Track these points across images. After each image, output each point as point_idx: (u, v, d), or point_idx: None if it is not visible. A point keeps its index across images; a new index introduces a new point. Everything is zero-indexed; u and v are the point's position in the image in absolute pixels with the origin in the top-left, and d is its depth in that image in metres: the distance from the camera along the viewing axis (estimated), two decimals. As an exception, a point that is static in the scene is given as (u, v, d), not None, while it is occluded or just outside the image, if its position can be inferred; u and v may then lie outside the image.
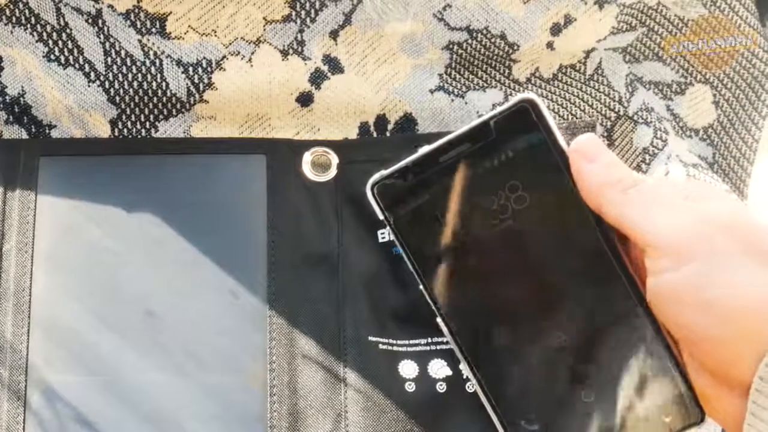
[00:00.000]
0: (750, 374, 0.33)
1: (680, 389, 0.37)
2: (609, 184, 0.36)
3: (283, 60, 0.53)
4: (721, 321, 0.33)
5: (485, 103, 0.54)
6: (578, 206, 0.37)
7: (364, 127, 0.54)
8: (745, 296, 0.33)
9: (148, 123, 0.53)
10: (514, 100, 0.37)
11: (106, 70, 0.52)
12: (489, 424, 0.48)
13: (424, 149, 0.38)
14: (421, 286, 0.38)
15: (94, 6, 0.52)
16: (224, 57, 0.53)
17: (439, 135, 0.53)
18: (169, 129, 0.53)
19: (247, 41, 0.53)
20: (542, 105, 0.38)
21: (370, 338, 0.50)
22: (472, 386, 0.49)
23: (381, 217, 0.38)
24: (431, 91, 0.54)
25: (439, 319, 0.39)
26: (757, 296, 0.33)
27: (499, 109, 0.38)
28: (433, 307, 0.38)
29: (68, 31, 0.52)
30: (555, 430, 0.38)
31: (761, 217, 0.53)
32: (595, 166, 0.37)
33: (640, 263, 0.37)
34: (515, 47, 0.54)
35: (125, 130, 0.53)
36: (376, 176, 0.38)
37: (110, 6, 0.52)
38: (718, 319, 0.33)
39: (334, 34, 0.53)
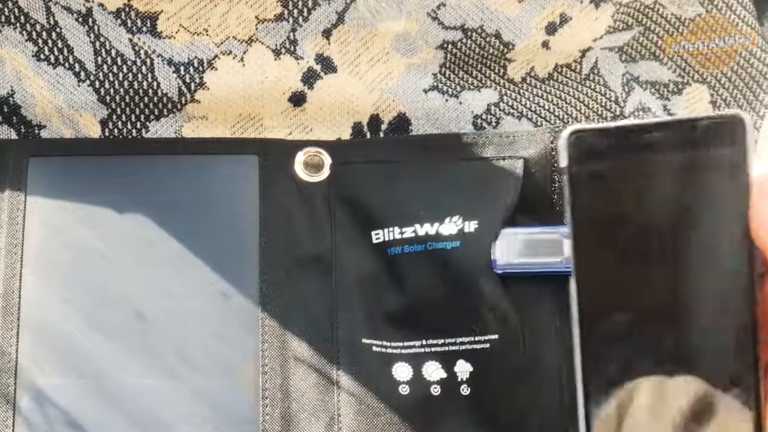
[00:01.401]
0: None
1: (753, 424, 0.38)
2: None
3: (275, 59, 0.53)
4: None
5: (480, 103, 0.54)
6: (742, 230, 0.38)
7: (357, 127, 0.53)
8: None
9: (138, 123, 0.53)
10: (728, 112, 0.38)
11: (96, 70, 0.52)
12: (485, 426, 0.48)
13: (627, 122, 0.39)
14: (570, 242, 0.39)
15: (84, 5, 0.51)
16: (216, 56, 0.52)
17: (435, 136, 0.53)
18: (160, 129, 0.53)
19: (239, 40, 0.52)
20: (750, 127, 0.38)
21: (364, 340, 0.49)
22: (467, 389, 0.48)
23: (563, 164, 0.39)
24: (425, 91, 0.54)
25: (572, 280, 0.39)
26: None
27: (710, 113, 0.39)
28: (573, 266, 0.39)
29: (58, 30, 0.52)
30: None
31: None
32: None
33: None
34: (510, 46, 0.54)
35: (116, 131, 0.52)
36: (575, 126, 0.39)
37: (100, 5, 0.51)
38: None
39: (327, 34, 0.53)
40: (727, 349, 0.38)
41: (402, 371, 0.49)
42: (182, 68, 0.52)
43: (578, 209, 0.39)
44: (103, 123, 0.52)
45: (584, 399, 0.39)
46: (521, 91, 0.54)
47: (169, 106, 0.52)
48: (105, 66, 0.52)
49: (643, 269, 0.39)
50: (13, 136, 0.52)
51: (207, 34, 0.52)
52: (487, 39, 0.53)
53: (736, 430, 0.38)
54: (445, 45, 0.54)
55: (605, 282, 0.39)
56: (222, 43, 0.52)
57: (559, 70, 0.55)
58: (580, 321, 0.39)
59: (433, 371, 0.49)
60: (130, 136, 0.53)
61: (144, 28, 0.52)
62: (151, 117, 0.53)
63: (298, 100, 0.53)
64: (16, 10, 0.52)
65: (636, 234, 0.39)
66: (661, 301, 0.39)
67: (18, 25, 0.52)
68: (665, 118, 0.38)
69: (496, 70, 0.54)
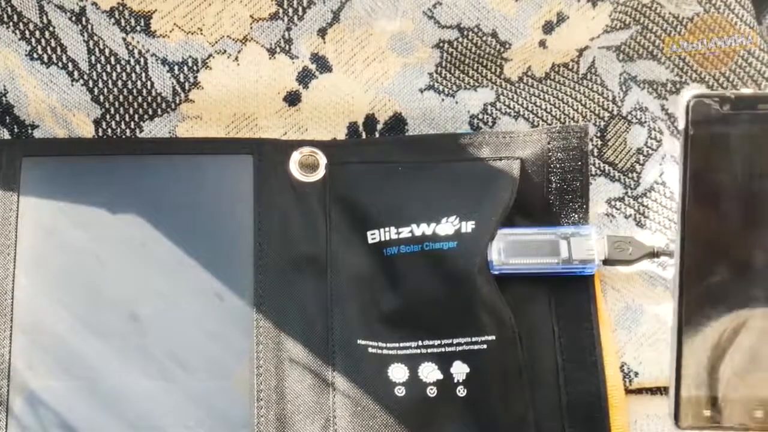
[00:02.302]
0: None
1: None
2: None
3: (270, 59, 0.52)
4: None
5: (476, 103, 0.54)
6: None
7: (352, 127, 0.53)
8: None
9: (132, 123, 0.52)
10: None
11: (89, 69, 0.52)
12: (482, 428, 0.48)
13: (748, 91, 0.39)
14: (678, 211, 0.39)
15: (77, 3, 0.51)
16: (210, 55, 0.52)
17: (431, 136, 0.53)
18: (154, 129, 0.52)
19: (233, 39, 0.52)
20: None
21: (359, 342, 0.49)
22: (463, 390, 0.48)
23: (681, 126, 0.39)
24: (421, 91, 0.53)
25: (677, 245, 0.39)
26: None
27: None
28: (678, 232, 0.39)
29: (51, 29, 0.51)
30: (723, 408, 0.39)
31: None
32: None
33: None
34: (507, 45, 0.53)
35: (109, 130, 0.52)
36: (696, 90, 0.39)
37: (94, 3, 0.51)
38: None
39: (322, 33, 0.53)
40: None
41: (398, 372, 0.48)
42: (176, 67, 0.52)
43: (692, 171, 0.39)
44: (97, 123, 0.52)
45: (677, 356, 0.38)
46: (518, 90, 0.54)
47: (163, 105, 0.52)
48: (98, 65, 0.52)
49: (749, 232, 0.39)
50: (6, 135, 0.52)
51: (201, 33, 0.52)
52: (484, 38, 0.53)
53: None
54: (441, 44, 0.53)
55: (710, 242, 0.39)
56: (216, 42, 0.52)
57: (556, 69, 0.55)
58: (681, 286, 0.38)
59: (429, 372, 0.48)
60: (123, 136, 0.52)
61: (138, 27, 0.52)
62: (145, 117, 0.52)
63: (293, 99, 0.53)
64: (9, 8, 0.51)
65: (747, 199, 0.39)
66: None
67: (11, 23, 0.51)
68: None
69: (493, 70, 0.54)
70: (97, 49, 0.52)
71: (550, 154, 0.51)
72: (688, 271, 0.39)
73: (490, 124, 0.54)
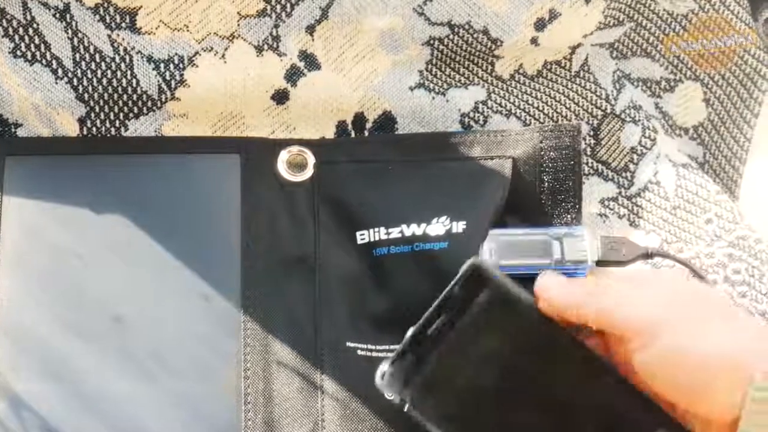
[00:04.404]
0: (735, 411, 0.35)
1: None
2: (575, 297, 0.40)
3: (257, 56, 0.52)
4: (700, 371, 0.37)
5: (467, 101, 0.53)
6: (556, 334, 0.41)
7: (341, 126, 0.53)
8: (714, 346, 0.37)
9: (117, 121, 0.52)
10: (463, 267, 0.41)
11: (74, 67, 0.51)
12: None
13: (411, 330, 0.41)
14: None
15: (62, 0, 0.50)
16: (197, 53, 0.51)
17: (421, 134, 0.53)
18: (140, 128, 0.52)
19: (220, 37, 0.52)
20: (487, 263, 0.41)
21: (348, 344, 0.49)
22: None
23: (397, 401, 0.41)
24: (411, 89, 0.53)
25: None
26: (724, 345, 0.37)
27: (454, 280, 0.41)
28: None
29: (35, 26, 0.51)
30: None
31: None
32: (558, 292, 0.41)
33: (620, 358, 0.40)
34: (498, 43, 0.53)
35: (94, 129, 0.52)
36: (379, 371, 0.41)
37: (78, 0, 0.50)
38: (696, 371, 0.37)
39: (310, 29, 0.52)
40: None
41: (388, 375, 0.48)
42: (162, 65, 0.51)
43: (439, 421, 0.40)
44: (81, 121, 0.52)
45: None
46: (509, 88, 0.54)
47: (149, 104, 0.52)
48: (83, 63, 0.51)
49: (517, 422, 0.40)
50: (-11, 134, 0.52)
51: (188, 30, 0.51)
52: (475, 35, 0.53)
53: None
54: (432, 41, 0.53)
55: None
56: (203, 39, 0.51)
57: (549, 67, 0.54)
58: None
59: (420, 375, 0.48)
60: (108, 135, 0.52)
61: (123, 24, 0.51)
62: (131, 115, 0.52)
63: (281, 97, 0.52)
64: (-9, 5, 0.51)
65: (493, 401, 0.40)
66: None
67: (-6, 21, 0.51)
68: (432, 307, 0.41)
69: (484, 67, 0.53)
70: (81, 47, 0.51)
71: (543, 153, 0.50)
72: None
73: (481, 122, 0.53)
